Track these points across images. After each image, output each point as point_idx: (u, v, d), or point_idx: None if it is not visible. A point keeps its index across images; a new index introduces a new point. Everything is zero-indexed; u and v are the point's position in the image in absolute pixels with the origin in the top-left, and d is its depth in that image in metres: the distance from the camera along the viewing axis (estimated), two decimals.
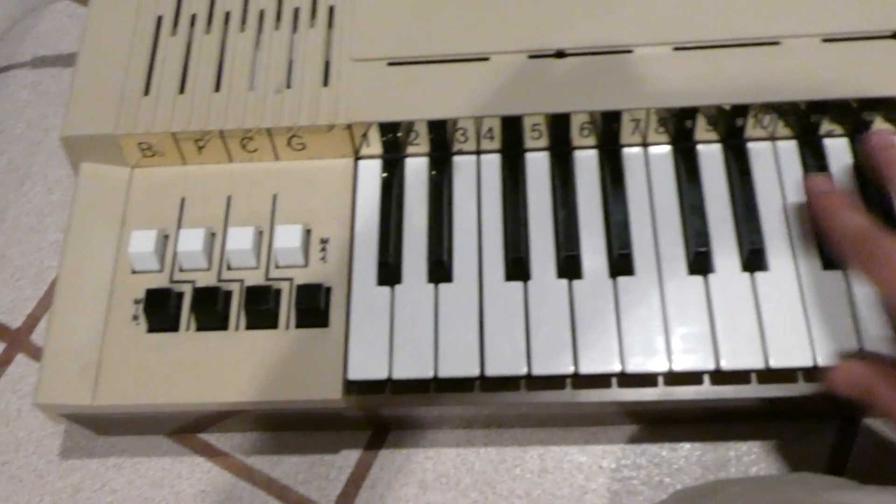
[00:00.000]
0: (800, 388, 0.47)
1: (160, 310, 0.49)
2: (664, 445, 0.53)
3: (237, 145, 0.53)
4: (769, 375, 0.47)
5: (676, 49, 0.51)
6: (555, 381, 0.48)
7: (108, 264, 0.52)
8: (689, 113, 0.51)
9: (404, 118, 0.51)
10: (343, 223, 0.52)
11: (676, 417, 0.52)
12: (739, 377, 0.47)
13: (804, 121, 0.51)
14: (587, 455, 0.52)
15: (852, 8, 0.51)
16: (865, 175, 0.50)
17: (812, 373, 0.47)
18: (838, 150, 0.51)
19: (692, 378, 0.48)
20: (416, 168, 0.53)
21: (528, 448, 0.53)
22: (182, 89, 0.53)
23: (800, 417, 0.53)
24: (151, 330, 0.50)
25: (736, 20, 0.51)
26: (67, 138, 0.53)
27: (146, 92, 0.53)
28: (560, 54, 0.52)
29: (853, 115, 0.50)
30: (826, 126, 0.51)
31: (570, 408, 0.50)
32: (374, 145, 0.53)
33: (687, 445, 0.53)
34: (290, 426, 0.54)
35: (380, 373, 0.48)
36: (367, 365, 0.48)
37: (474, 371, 0.47)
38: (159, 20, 0.55)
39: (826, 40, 0.51)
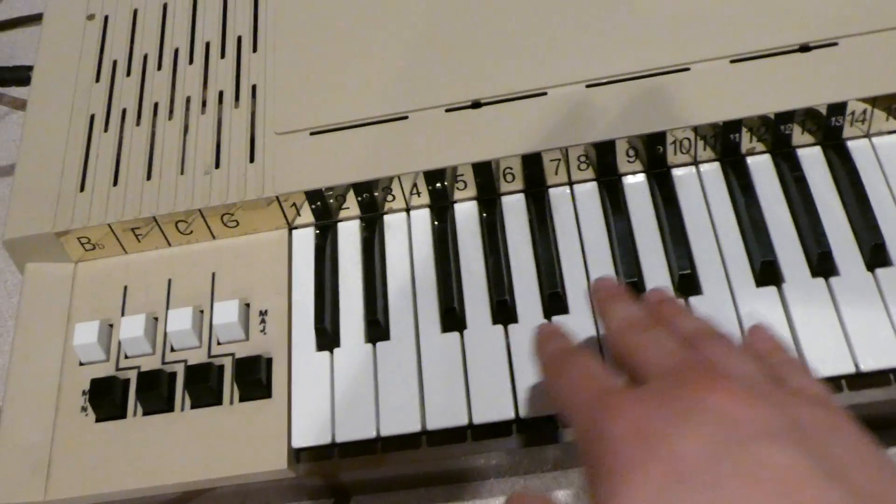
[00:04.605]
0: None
1: (105, 399, 0.50)
2: None
3: (173, 229, 0.54)
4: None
5: (589, 86, 0.52)
6: (499, 428, 0.47)
7: (55, 360, 0.52)
8: (608, 147, 0.51)
9: (329, 184, 0.52)
10: (281, 293, 0.52)
11: None
12: None
13: (724, 141, 0.51)
14: None
15: (758, 26, 0.51)
16: (790, 190, 0.50)
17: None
18: (761, 167, 0.51)
19: None
20: (349, 231, 0.54)
21: (489, 500, 0.52)
22: (115, 182, 0.54)
23: None
24: (100, 419, 0.50)
25: (645, 51, 0.52)
26: (9, 241, 0.54)
27: (82, 188, 0.55)
28: (476, 105, 0.53)
29: (771, 130, 0.50)
30: (746, 144, 0.51)
31: (521, 454, 0.49)
32: (306, 214, 0.54)
33: None
34: (251, 501, 0.54)
35: (324, 438, 0.48)
36: (311, 431, 0.48)
37: (416, 427, 0.47)
38: (92, 118, 0.57)
39: (734, 61, 0.51)
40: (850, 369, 0.45)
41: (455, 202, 0.53)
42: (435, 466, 0.51)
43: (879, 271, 0.47)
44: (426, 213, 0.53)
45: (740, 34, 0.51)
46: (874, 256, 0.47)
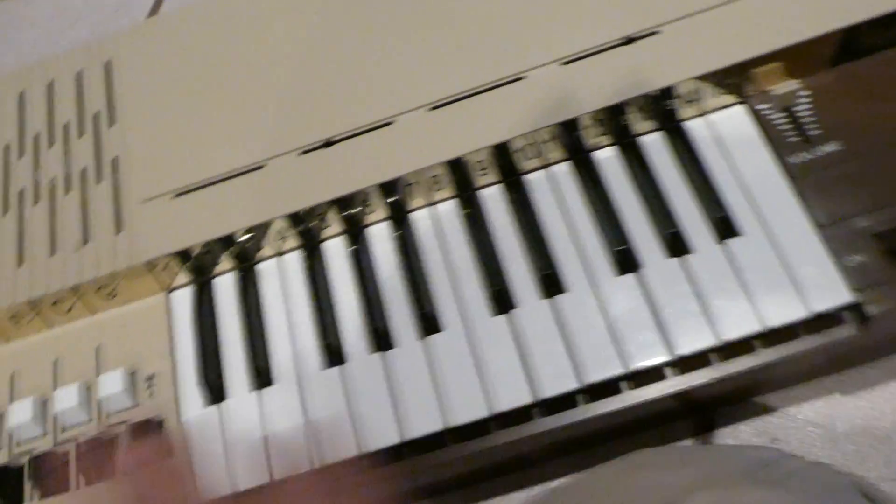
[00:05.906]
0: (629, 398, 0.47)
1: (7, 485, 0.50)
2: (533, 489, 0.52)
3: (51, 311, 0.54)
4: (597, 391, 0.47)
5: (432, 109, 0.53)
6: (391, 452, 0.48)
7: None
8: (457, 164, 0.52)
9: (195, 242, 0.53)
10: (165, 356, 0.53)
11: (530, 460, 0.52)
12: (566, 402, 0.48)
13: (567, 141, 0.52)
14: None
15: (584, 26, 0.53)
16: (636, 178, 0.51)
17: (634, 379, 0.47)
18: (608, 160, 0.52)
19: (520, 416, 0.48)
20: (225, 285, 0.54)
21: None
22: None
23: (654, 425, 0.53)
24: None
25: (480, 67, 0.54)
26: None
27: None
28: (328, 143, 0.54)
29: (609, 123, 0.52)
30: (590, 140, 0.53)
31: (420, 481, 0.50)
32: (182, 275, 0.54)
33: (556, 484, 0.52)
34: None
35: (224, 488, 0.48)
36: (214, 483, 0.48)
37: (307, 467, 0.47)
38: None
39: (566, 63, 0.53)
40: (714, 342, 0.46)
41: (323, 240, 0.54)
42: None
43: (730, 242, 0.48)
44: (298, 255, 0.54)
45: (568, 37, 0.53)
46: (721, 229, 0.48)
